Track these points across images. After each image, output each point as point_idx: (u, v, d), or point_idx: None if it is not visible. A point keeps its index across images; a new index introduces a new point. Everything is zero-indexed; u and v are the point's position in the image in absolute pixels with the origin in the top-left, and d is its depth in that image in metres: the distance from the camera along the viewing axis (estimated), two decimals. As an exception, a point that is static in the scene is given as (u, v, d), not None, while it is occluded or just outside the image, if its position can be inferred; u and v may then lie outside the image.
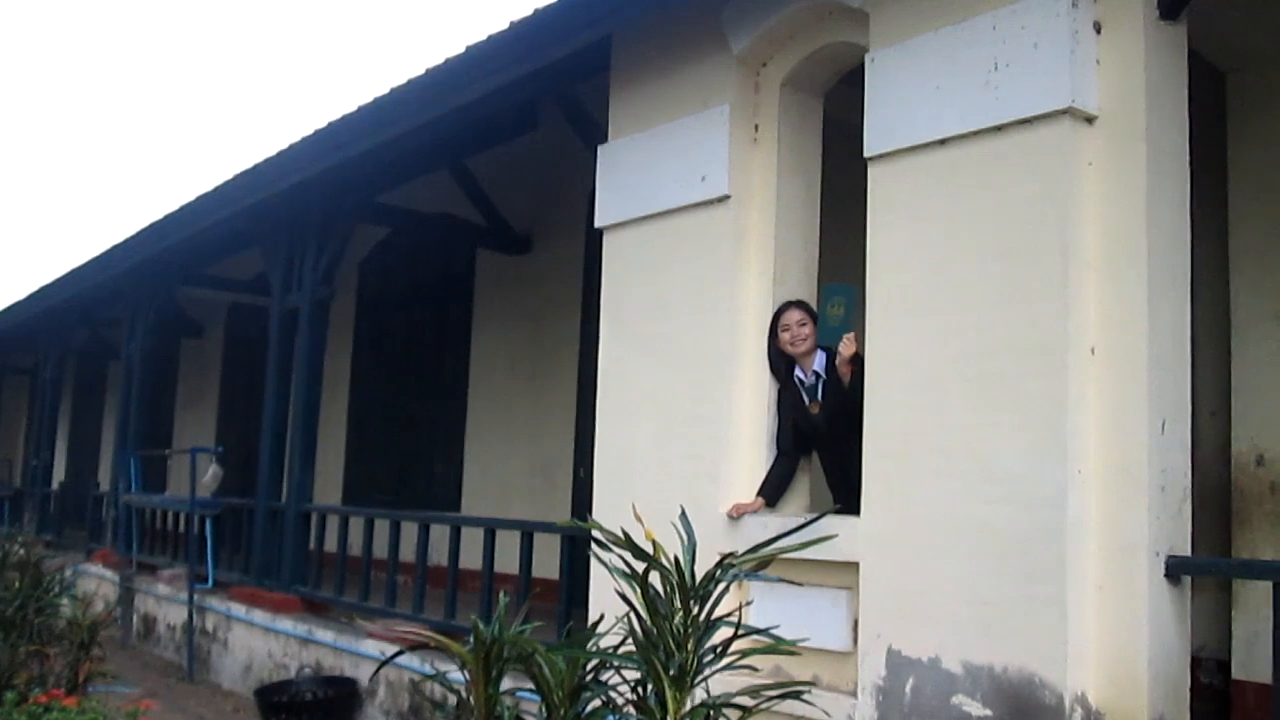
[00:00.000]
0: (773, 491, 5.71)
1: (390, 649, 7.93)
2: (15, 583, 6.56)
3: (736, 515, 5.59)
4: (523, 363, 11.33)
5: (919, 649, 4.73)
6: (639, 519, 2.46)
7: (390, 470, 13.24)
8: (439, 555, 8.37)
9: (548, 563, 7.15)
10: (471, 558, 7.88)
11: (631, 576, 2.47)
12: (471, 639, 2.41)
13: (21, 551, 7.10)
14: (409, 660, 7.72)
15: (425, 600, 8.09)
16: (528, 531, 7.30)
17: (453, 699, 2.61)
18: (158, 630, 11.97)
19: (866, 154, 5.18)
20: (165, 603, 11.81)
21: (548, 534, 7.40)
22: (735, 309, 5.87)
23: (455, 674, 2.77)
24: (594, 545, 2.67)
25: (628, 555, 2.45)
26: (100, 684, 6.77)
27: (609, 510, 6.30)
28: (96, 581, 13.06)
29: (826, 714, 4.78)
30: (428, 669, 7.49)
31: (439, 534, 8.37)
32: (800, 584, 4.63)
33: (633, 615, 2.50)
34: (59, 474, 21.19)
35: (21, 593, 6.31)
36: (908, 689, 4.75)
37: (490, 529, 7.67)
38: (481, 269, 12.09)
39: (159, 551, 12.80)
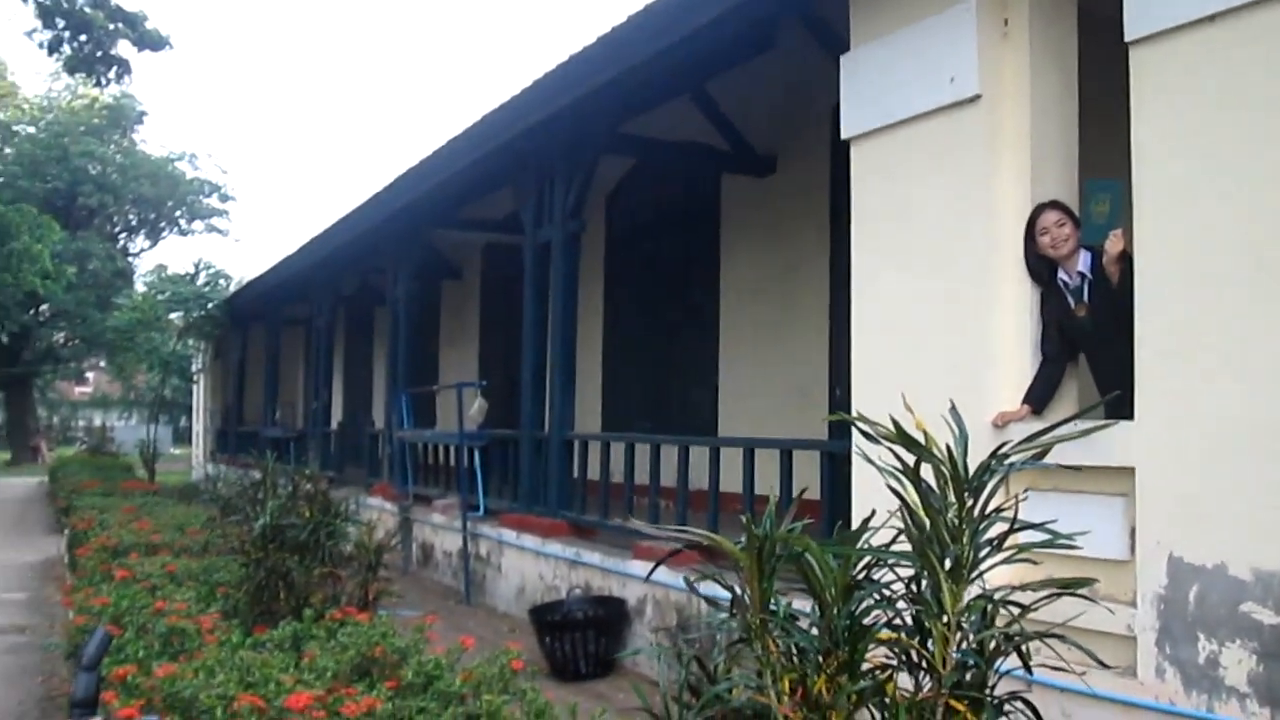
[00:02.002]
0: (1039, 399, 5.51)
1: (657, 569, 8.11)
2: (306, 512, 6.97)
3: (1002, 424, 5.43)
4: (772, 284, 11.30)
5: (1203, 556, 4.51)
6: (909, 409, 2.42)
7: (646, 398, 13.47)
8: (698, 479, 8.47)
9: (807, 484, 7.14)
10: (731, 481, 7.95)
11: (903, 471, 2.44)
12: (744, 538, 2.42)
13: (309, 486, 7.52)
14: (676, 579, 7.88)
15: (687, 523, 8.20)
16: (786, 450, 7.30)
17: (727, 595, 2.64)
18: (435, 557, 12.58)
19: (1127, 38, 4.89)
20: (441, 531, 12.40)
21: (806, 452, 7.40)
22: (991, 213, 5.67)
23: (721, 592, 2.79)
24: (859, 439, 2.64)
25: (898, 449, 2.42)
26: (387, 605, 7.17)
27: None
28: (377, 513, 13.78)
29: (1105, 623, 4.62)
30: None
31: (698, 457, 8.46)
32: (1076, 469, 4.44)
33: (904, 510, 2.47)
34: (336, 415, 22.42)
35: (313, 520, 6.72)
36: (1192, 597, 4.54)
37: (749, 448, 7.71)
38: (727, 193, 12.09)
39: (432, 483, 13.45)
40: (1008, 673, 2.56)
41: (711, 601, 2.67)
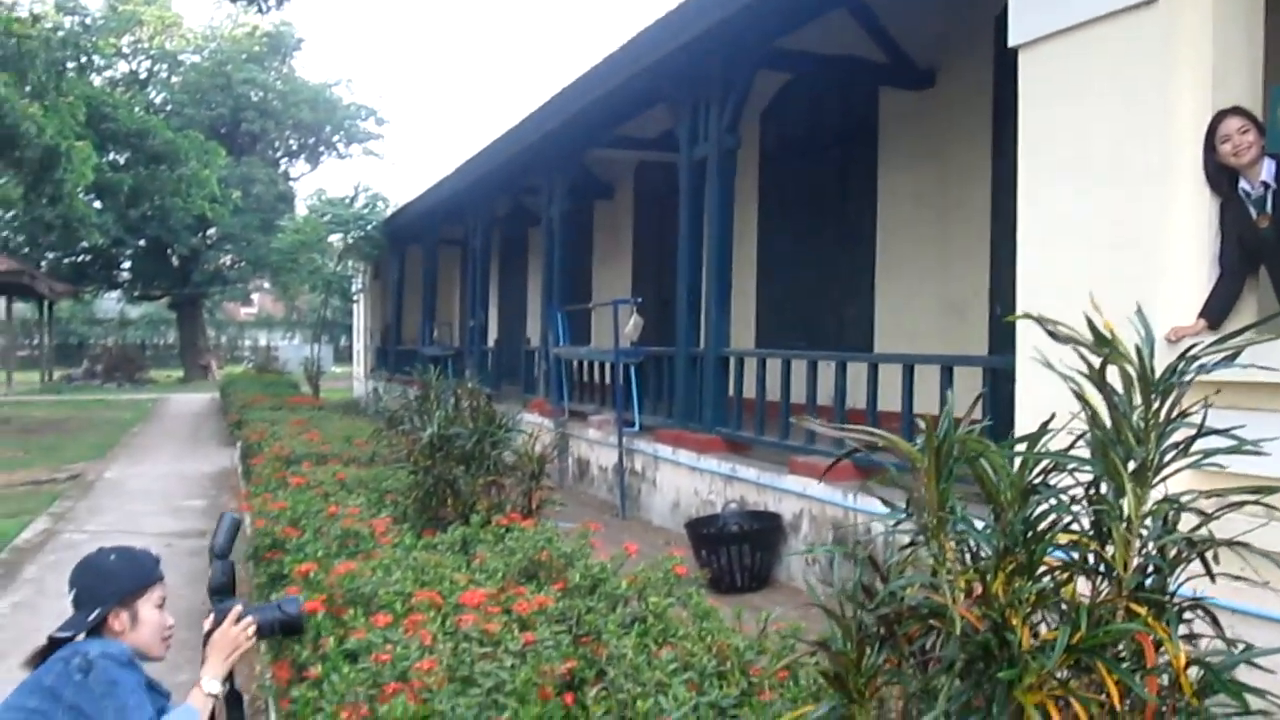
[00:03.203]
0: (1216, 313, 5.34)
1: (812, 484, 8.14)
2: (470, 423, 7.14)
3: (1175, 339, 5.27)
4: (930, 201, 11.10)
5: (1391, 474, 4.34)
6: (1097, 307, 2.38)
7: (800, 316, 13.41)
8: (855, 397, 8.44)
9: (965, 403, 7.07)
10: (889, 400, 7.89)
11: (1087, 374, 2.41)
12: (920, 440, 2.42)
13: (470, 401, 7.68)
14: (830, 494, 7.91)
15: (844, 441, 8.16)
16: (948, 365, 7.22)
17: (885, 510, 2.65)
18: (590, 472, 12.81)
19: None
20: (596, 446, 12.60)
21: (965, 373, 7.30)
22: (1168, 121, 5.47)
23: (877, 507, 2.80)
24: (1034, 346, 2.60)
25: (1084, 351, 2.39)
26: (548, 515, 7.34)
27: (1032, 340, 6.11)
28: (534, 429, 14.02)
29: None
30: (850, 503, 7.66)
31: (856, 374, 8.41)
32: (1254, 383, 4.31)
33: (1088, 413, 2.44)
34: (492, 333, 22.84)
35: (478, 430, 6.89)
36: (1379, 519, 4.38)
37: (909, 365, 7.64)
38: (884, 108, 11.88)
39: (587, 399, 13.67)
40: (1176, 590, 2.52)
41: (887, 502, 2.68)
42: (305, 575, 4.84)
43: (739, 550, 8.18)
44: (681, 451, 10.24)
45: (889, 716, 2.74)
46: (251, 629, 3.12)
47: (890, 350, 11.04)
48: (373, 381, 27.47)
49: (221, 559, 3.23)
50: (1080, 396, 2.43)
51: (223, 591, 3.20)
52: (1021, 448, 2.53)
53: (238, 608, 3.13)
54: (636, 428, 11.57)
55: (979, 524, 2.52)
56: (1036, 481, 2.53)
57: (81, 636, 2.97)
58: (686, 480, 10.16)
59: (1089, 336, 2.43)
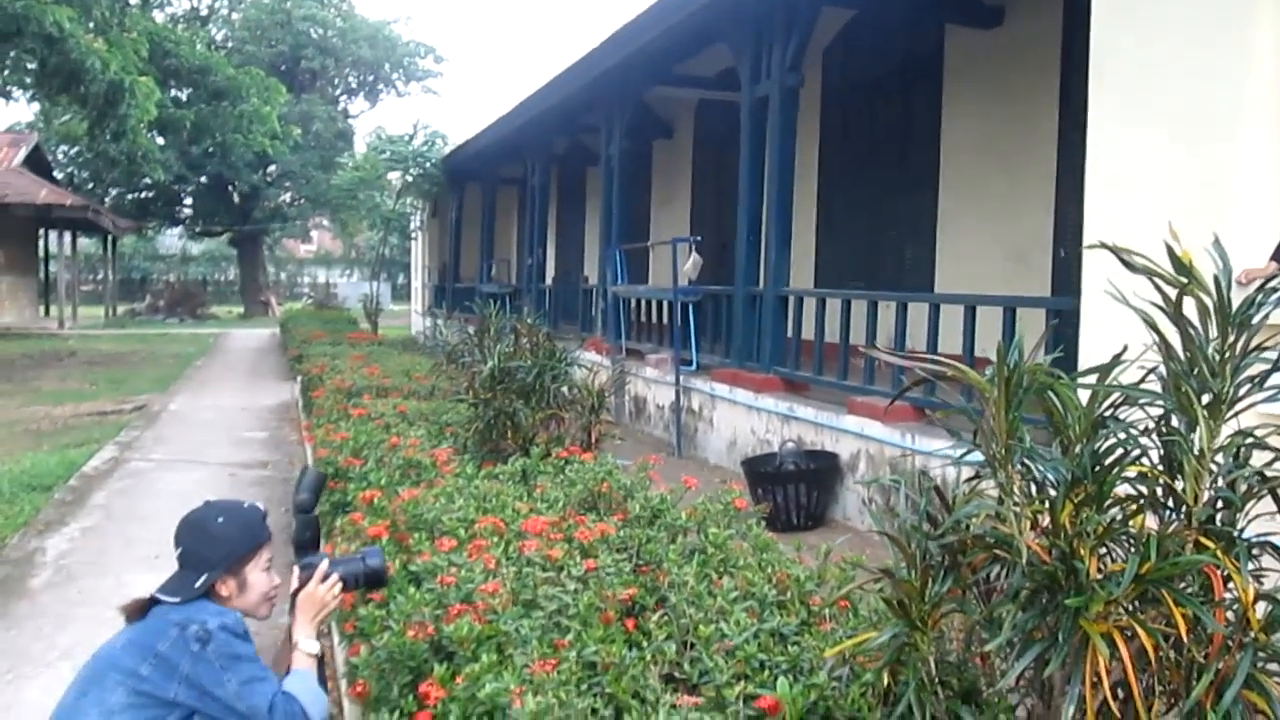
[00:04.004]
0: (1289, 255, 5.26)
1: (870, 424, 8.12)
2: (529, 357, 7.18)
3: (1246, 281, 5.20)
4: (996, 142, 10.94)
5: None
6: (1176, 237, 2.35)
7: (860, 257, 13.31)
8: (914, 341, 8.39)
9: (1027, 350, 6.99)
10: (949, 343, 7.82)
11: (1162, 306, 2.38)
12: (990, 370, 2.41)
13: (527, 338, 7.70)
14: (889, 434, 7.89)
15: (904, 381, 8.14)
16: (1010, 307, 7.15)
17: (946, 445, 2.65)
18: (647, 410, 12.85)
19: None
20: (653, 385, 12.63)
21: (1029, 310, 7.23)
22: (1244, 61, 5.36)
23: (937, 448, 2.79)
24: (1105, 280, 2.58)
25: (1160, 283, 2.36)
26: (607, 449, 7.38)
27: (1097, 284, 6.04)
28: (591, 367, 14.08)
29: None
30: (909, 443, 7.64)
31: (915, 318, 8.35)
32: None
33: (1161, 345, 2.41)
34: (549, 272, 22.86)
35: (538, 364, 6.93)
36: None
37: (970, 306, 7.57)
38: (950, 46, 11.68)
39: (644, 338, 13.68)
40: (1244, 527, 2.51)
41: (954, 432, 2.68)
42: (369, 502, 4.92)
43: (795, 489, 8.19)
44: (739, 390, 10.24)
45: (948, 646, 2.76)
46: (337, 587, 3.05)
47: (951, 291, 10.95)
48: (430, 318, 27.62)
49: (305, 513, 3.14)
50: (1153, 326, 2.41)
51: (307, 547, 3.13)
52: (1091, 380, 2.52)
53: (323, 565, 3.05)
54: (694, 366, 11.59)
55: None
56: (1106, 414, 2.52)
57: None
58: (743, 419, 10.17)
59: (1164, 268, 2.40)
